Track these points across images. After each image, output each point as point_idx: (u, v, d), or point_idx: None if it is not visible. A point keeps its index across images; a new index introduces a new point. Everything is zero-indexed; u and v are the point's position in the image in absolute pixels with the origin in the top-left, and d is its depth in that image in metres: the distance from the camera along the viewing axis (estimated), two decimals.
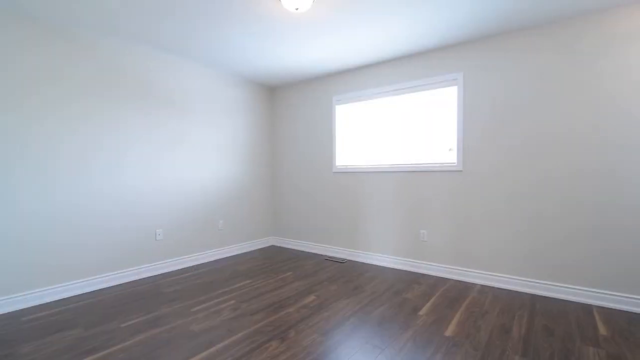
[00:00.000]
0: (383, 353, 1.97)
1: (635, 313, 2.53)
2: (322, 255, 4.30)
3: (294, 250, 4.65)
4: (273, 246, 4.88)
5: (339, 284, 3.17)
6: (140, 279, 3.35)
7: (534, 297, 2.83)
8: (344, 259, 4.04)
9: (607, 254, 2.66)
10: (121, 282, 3.26)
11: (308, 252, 4.47)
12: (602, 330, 2.25)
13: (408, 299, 2.79)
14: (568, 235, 2.81)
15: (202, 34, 3.11)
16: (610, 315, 2.50)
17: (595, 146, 2.69)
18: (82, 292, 2.99)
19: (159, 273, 3.54)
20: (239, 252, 4.47)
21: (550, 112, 2.87)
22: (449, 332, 2.23)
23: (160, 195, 3.60)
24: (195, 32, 3.06)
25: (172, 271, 3.62)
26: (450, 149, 3.36)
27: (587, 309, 2.60)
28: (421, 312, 2.53)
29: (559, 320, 2.40)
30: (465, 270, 3.28)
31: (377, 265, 3.83)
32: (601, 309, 2.61)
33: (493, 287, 3.06)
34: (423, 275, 3.46)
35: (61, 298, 2.86)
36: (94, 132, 3.10)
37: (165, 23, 2.88)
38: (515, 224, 3.04)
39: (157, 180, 3.56)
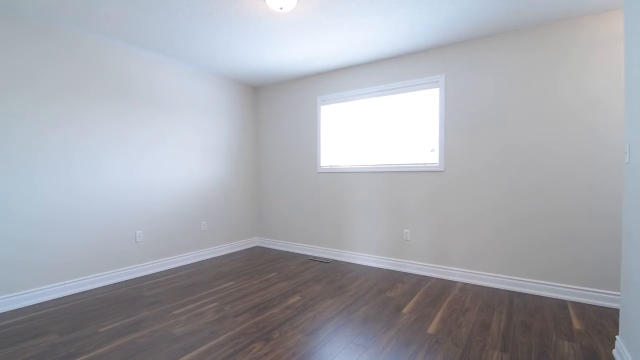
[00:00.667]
0: (367, 352, 1.99)
1: (606, 307, 2.64)
2: (307, 255, 4.29)
3: (278, 250, 4.62)
4: (258, 247, 4.83)
5: (324, 284, 3.18)
6: (119, 282, 3.25)
7: (512, 294, 2.91)
8: (328, 259, 4.04)
9: (580, 253, 2.77)
10: (99, 286, 3.15)
11: (293, 253, 4.45)
12: (576, 324, 2.34)
13: (391, 298, 2.82)
14: (544, 235, 2.91)
15: (184, 32, 3.05)
16: (583, 310, 2.60)
17: (570, 154, 2.81)
18: (58, 297, 2.88)
19: (139, 276, 3.44)
20: (223, 253, 4.41)
21: (526, 117, 2.98)
22: (431, 329, 2.27)
23: (140, 196, 3.50)
24: (177, 30, 3.00)
25: (153, 273, 3.53)
26: (432, 150, 3.42)
27: (562, 304, 2.70)
28: (404, 311, 2.56)
29: (536, 316, 2.48)
30: (447, 269, 3.34)
31: (361, 265, 3.85)
32: (575, 304, 2.71)
33: (474, 285, 3.14)
34: (406, 274, 3.51)
35: (36, 303, 2.75)
36: (74, 131, 3.00)
37: (147, 20, 2.81)
38: (495, 223, 3.12)
39: (136, 181, 3.47)
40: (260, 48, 3.42)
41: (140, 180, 3.50)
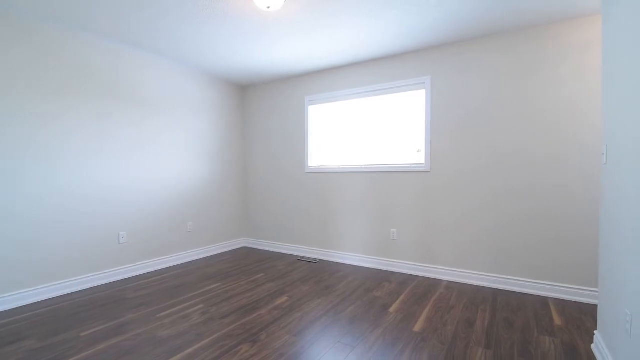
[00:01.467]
0: (354, 351, 1.99)
1: (585, 303, 2.73)
2: (294, 255, 4.27)
3: (266, 251, 4.59)
4: (245, 247, 4.79)
5: (311, 284, 3.17)
6: (102, 285, 3.17)
7: (495, 292, 2.97)
8: (316, 259, 4.04)
9: (561, 252, 2.85)
10: (81, 289, 3.06)
11: (280, 253, 4.42)
12: (557, 320, 2.40)
13: (378, 297, 2.84)
14: (527, 235, 2.98)
15: (171, 31, 3.00)
16: (564, 306, 2.67)
17: (549, 155, 2.89)
18: (38, 300, 2.79)
19: (123, 278, 3.37)
20: (210, 254, 4.35)
21: (509, 120, 3.04)
22: (417, 327, 2.29)
23: (124, 196, 3.42)
24: (165, 28, 2.94)
25: (138, 275, 3.46)
26: (418, 150, 3.46)
27: (543, 301, 2.77)
28: (391, 310, 2.58)
29: (519, 313, 2.54)
30: (433, 268, 3.39)
31: (349, 265, 3.87)
32: (556, 300, 2.78)
33: (459, 283, 3.19)
34: (393, 273, 3.54)
35: (15, 307, 2.66)
36: (59, 131, 2.92)
37: (133, 18, 2.75)
38: (480, 224, 3.18)
39: (120, 180, 3.38)
40: (248, 47, 3.38)
41: (124, 180, 3.42)
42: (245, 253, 4.45)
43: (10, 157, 2.64)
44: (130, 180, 3.48)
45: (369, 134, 3.85)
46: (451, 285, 3.14)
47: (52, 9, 2.60)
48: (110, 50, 3.28)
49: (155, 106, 3.72)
